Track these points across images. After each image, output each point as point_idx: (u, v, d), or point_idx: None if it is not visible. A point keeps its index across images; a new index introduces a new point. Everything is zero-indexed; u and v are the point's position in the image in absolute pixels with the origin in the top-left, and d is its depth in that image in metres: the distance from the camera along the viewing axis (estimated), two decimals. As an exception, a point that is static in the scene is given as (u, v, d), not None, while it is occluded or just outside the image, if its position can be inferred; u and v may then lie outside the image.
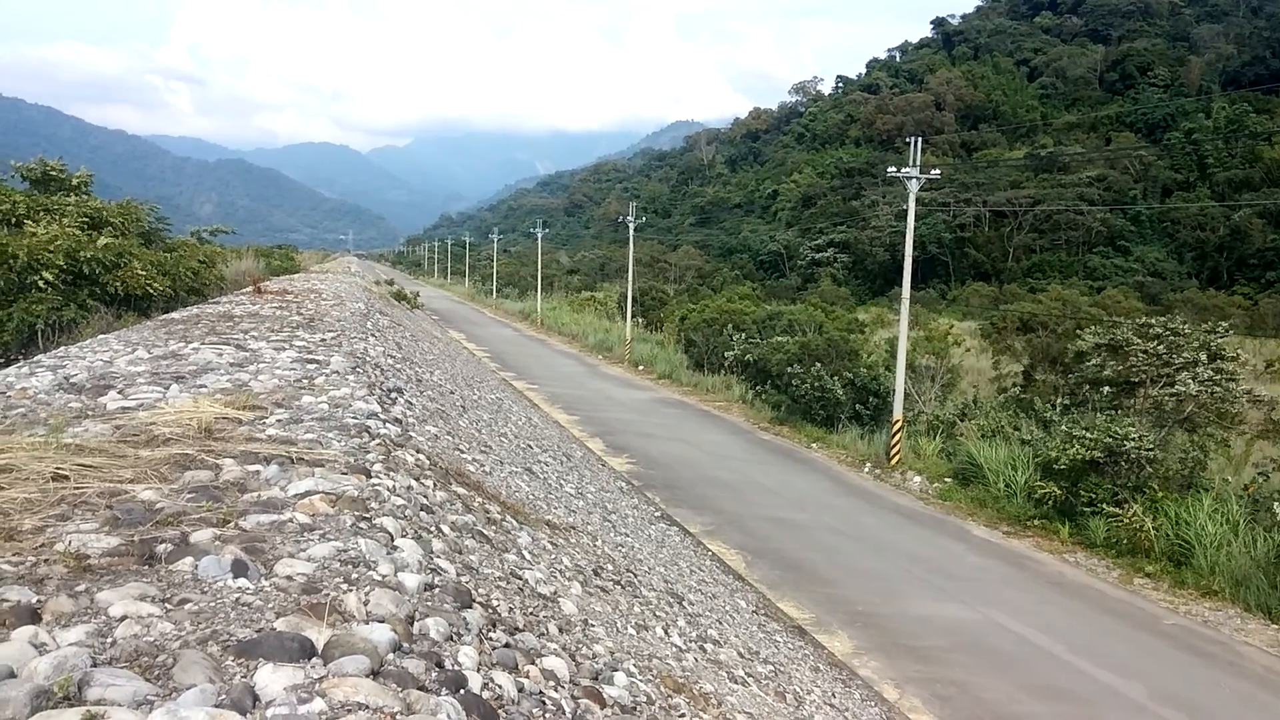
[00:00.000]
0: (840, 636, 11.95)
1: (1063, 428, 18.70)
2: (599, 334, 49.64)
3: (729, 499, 18.58)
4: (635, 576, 8.16)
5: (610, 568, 7.63)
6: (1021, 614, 13.28)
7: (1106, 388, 20.39)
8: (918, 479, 21.20)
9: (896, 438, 22.42)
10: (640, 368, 40.23)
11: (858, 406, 25.83)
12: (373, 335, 13.40)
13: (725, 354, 34.16)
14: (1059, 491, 17.48)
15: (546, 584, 4.98)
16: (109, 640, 2.28)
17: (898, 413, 22.72)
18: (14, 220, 15.39)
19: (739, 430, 27.31)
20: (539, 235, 75.75)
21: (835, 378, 26.07)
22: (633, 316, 46.92)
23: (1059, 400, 22.15)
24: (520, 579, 4.65)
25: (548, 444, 16.60)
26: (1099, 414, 19.18)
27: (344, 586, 2.84)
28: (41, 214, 15.83)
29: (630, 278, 48.61)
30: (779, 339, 31.29)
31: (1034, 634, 12.55)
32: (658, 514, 15.98)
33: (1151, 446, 16.86)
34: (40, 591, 2.52)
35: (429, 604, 3.07)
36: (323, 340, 9.76)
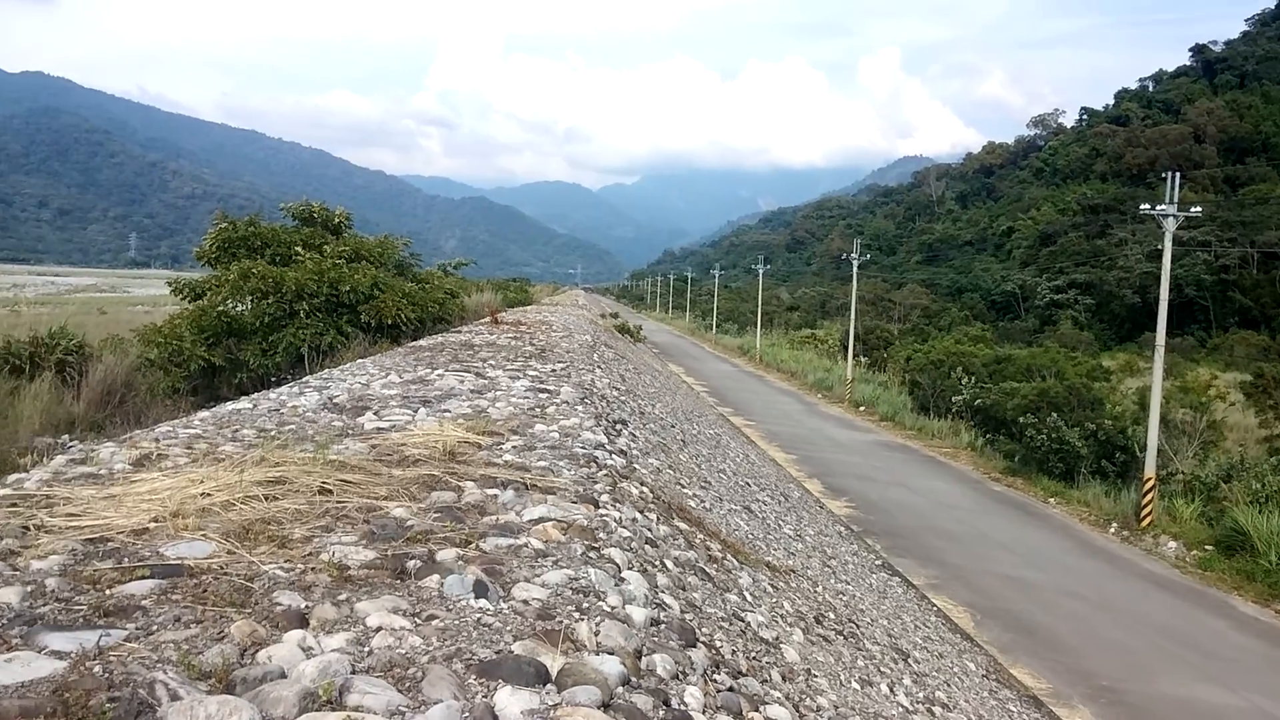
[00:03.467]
0: (1082, 712, 11.05)
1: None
2: (819, 372, 48.93)
3: (955, 551, 17.73)
4: (857, 627, 7.90)
5: (832, 616, 7.43)
6: (1295, 705, 11.85)
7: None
8: (1172, 544, 19.42)
9: (1148, 497, 20.66)
10: (861, 408, 39.28)
11: (1101, 461, 24.05)
12: (599, 367, 13.79)
13: (953, 398, 32.82)
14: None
15: (768, 628, 4.90)
16: (366, 649, 2.43)
17: (1149, 470, 20.95)
18: (287, 256, 17.04)
19: (967, 479, 26.06)
20: (760, 271, 75.92)
21: (1075, 428, 24.41)
22: (854, 355, 45.93)
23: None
24: (742, 621, 4.60)
25: (765, 482, 16.46)
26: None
27: (575, 615, 2.90)
28: (308, 249, 17.45)
29: (853, 315, 47.67)
30: (1012, 384, 29.71)
31: (1310, 729, 11.16)
32: (879, 562, 15.47)
33: None
34: (308, 598, 2.73)
35: (655, 639, 3.08)
36: (553, 370, 10.14)
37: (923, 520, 20.03)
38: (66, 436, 9.53)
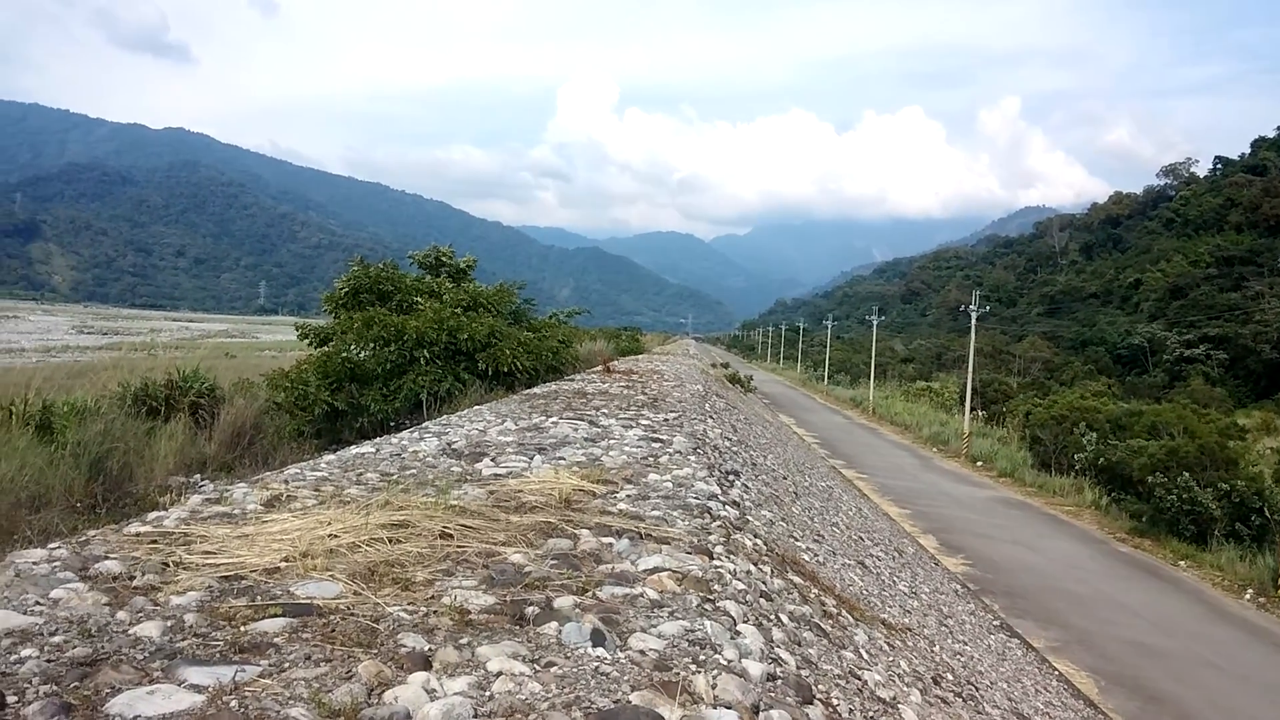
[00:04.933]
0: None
1: None
2: (934, 426, 47.66)
3: (1078, 614, 16.90)
4: (977, 690, 7.59)
5: (950, 677, 7.15)
6: None
7: None
8: (1315, 613, 18.13)
9: (1289, 563, 19.38)
10: (979, 463, 38.06)
11: (1236, 523, 22.68)
12: (710, 417, 13.75)
13: (1075, 455, 31.50)
14: None
15: (885, 687, 4.75)
16: (487, 694, 2.46)
17: (1290, 534, 19.67)
18: (410, 304, 17.61)
19: (1090, 539, 24.89)
20: (874, 322, 74.74)
21: (1207, 489, 23.11)
22: (972, 409, 44.61)
23: None
24: (859, 679, 4.47)
25: (879, 537, 16.07)
26: None
27: (692, 667, 2.87)
28: (427, 296, 17.98)
29: (970, 368, 46.40)
30: (1139, 441, 28.37)
31: None
32: (996, 622, 14.86)
33: None
34: (431, 640, 2.79)
35: (771, 695, 3.02)
36: (665, 420, 10.15)
37: (1043, 580, 19.19)
38: (199, 476, 9.99)
